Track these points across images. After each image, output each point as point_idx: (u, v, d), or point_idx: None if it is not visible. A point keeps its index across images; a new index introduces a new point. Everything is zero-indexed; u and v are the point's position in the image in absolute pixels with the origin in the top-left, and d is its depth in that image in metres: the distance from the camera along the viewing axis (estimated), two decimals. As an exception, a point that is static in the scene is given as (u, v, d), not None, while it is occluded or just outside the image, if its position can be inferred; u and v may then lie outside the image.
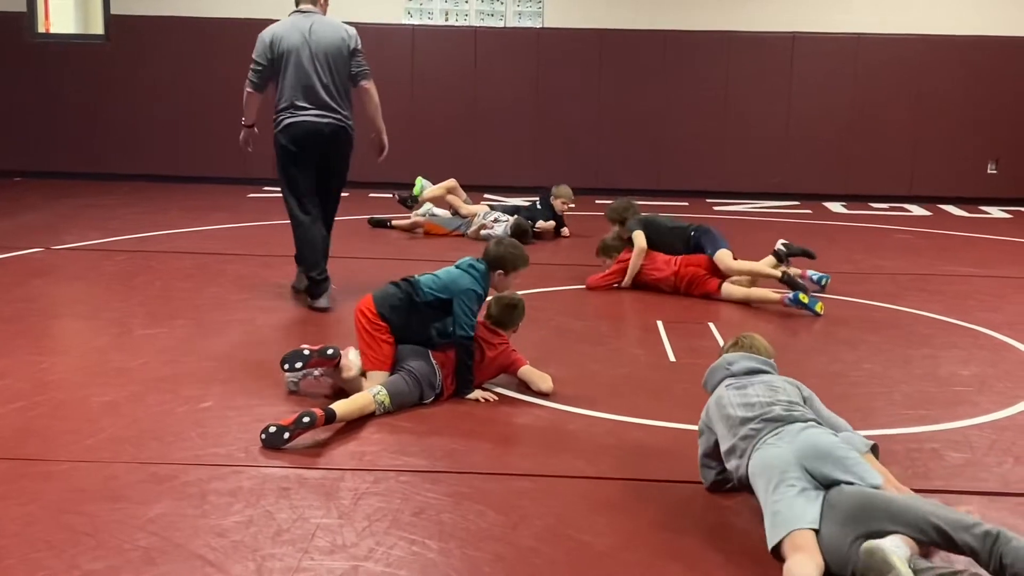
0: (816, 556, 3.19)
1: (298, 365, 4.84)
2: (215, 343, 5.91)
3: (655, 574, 3.32)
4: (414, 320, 5.11)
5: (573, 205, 10.03)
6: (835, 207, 12.57)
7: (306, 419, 4.34)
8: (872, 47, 12.95)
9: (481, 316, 5.31)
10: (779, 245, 7.65)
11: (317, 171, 6.85)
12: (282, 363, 4.87)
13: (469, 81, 13.13)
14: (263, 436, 4.32)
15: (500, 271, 5.24)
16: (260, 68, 6.73)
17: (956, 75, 12.91)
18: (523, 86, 13.14)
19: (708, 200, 12.84)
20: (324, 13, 6.88)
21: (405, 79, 13.07)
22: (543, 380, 5.13)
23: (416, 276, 5.26)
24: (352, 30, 6.80)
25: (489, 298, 5.35)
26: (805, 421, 3.67)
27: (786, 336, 6.56)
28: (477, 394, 5.02)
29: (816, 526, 3.28)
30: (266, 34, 6.74)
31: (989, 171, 13.16)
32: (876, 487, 3.37)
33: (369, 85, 6.81)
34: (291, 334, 6.19)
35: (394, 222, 10.10)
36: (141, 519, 3.60)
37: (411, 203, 10.36)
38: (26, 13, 13.15)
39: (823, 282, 7.63)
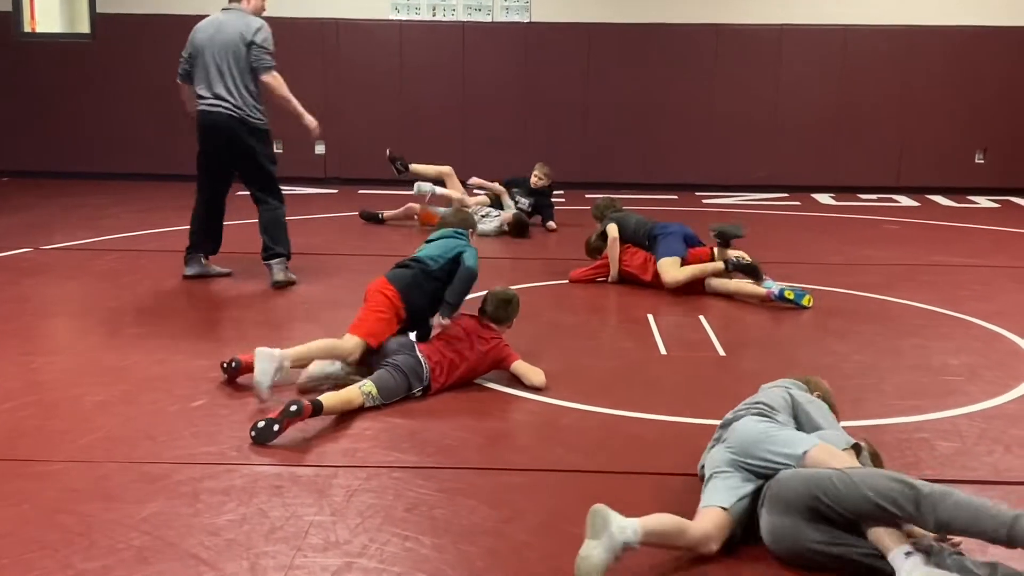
0: (704, 525, 3.34)
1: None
2: (206, 342, 5.90)
3: (649, 567, 3.33)
4: (428, 296, 5.34)
5: (546, 180, 10.05)
6: (824, 199, 12.59)
7: (293, 407, 4.33)
8: (859, 39, 12.97)
9: (467, 311, 5.37)
10: (731, 256, 7.43)
11: (224, 157, 7.31)
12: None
13: (457, 76, 13.12)
14: (253, 432, 4.32)
15: (472, 231, 5.89)
16: (182, 60, 7.32)
17: (943, 66, 12.94)
18: (511, 81, 13.14)
19: (697, 193, 12.85)
20: (249, 8, 7.21)
21: (394, 74, 13.06)
22: (536, 375, 5.15)
23: (417, 255, 5.49)
24: (257, 24, 7.06)
25: (484, 293, 5.40)
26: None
27: (776, 328, 6.58)
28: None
29: (724, 504, 3.41)
30: (193, 30, 7.26)
31: (977, 161, 13.20)
32: (804, 453, 3.41)
33: (269, 77, 7.06)
34: (281, 332, 6.19)
35: (385, 214, 10.08)
36: (134, 518, 3.60)
37: (402, 168, 10.20)
38: (12, 12, 13.10)
39: (802, 301, 7.00)
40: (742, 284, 7.20)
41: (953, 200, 12.60)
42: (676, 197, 12.42)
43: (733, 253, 7.36)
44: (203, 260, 7.53)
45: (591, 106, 13.10)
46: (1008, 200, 12.65)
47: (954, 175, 13.14)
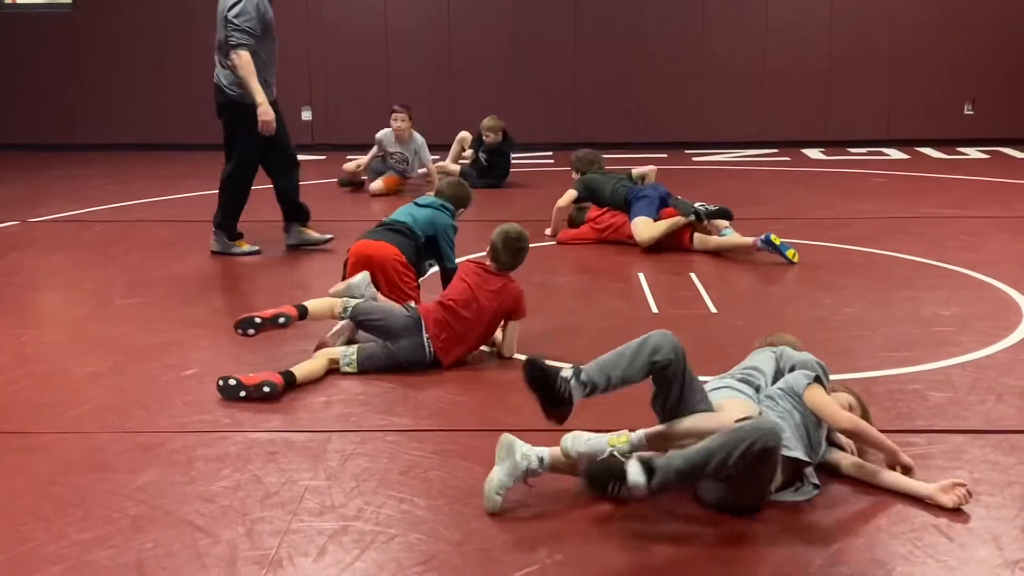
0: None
1: (251, 332, 4.75)
2: (196, 311, 5.89)
3: (646, 522, 3.34)
4: (419, 260, 5.50)
5: (497, 136, 10.05)
6: (813, 153, 12.57)
7: (266, 388, 4.37)
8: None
9: (460, 258, 5.46)
10: (698, 206, 7.45)
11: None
12: (235, 327, 4.79)
13: (443, 37, 13.02)
14: (219, 383, 4.38)
15: (461, 208, 5.88)
16: None
17: (931, 16, 12.88)
18: (498, 41, 13.04)
19: (687, 151, 12.81)
20: None
21: (379, 38, 12.95)
22: (512, 348, 5.00)
23: (395, 219, 5.53)
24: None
25: (494, 238, 5.06)
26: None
27: (767, 283, 6.58)
28: None
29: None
30: None
31: (966, 112, 13.17)
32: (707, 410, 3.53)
33: (234, 55, 6.82)
34: (271, 298, 6.14)
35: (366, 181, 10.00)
36: (128, 488, 3.60)
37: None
38: (-10, -17, 12.97)
39: (787, 253, 6.98)
40: (728, 239, 7.20)
41: (943, 152, 12.58)
42: (666, 156, 12.38)
43: (698, 204, 7.36)
44: (297, 228, 7.47)
45: (579, 65, 13.02)
46: (997, 151, 12.64)
47: (943, 127, 13.11)
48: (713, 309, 5.93)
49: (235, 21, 6.76)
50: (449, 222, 5.66)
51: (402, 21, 13.00)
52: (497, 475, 3.41)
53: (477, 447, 3.93)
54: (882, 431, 4.01)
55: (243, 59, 6.77)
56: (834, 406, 3.61)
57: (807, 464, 3.53)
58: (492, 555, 3.15)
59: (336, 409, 4.37)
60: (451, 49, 13.03)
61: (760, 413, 3.60)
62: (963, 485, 3.41)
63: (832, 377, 4.28)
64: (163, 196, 9.77)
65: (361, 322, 4.88)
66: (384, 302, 5.06)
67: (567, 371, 3.51)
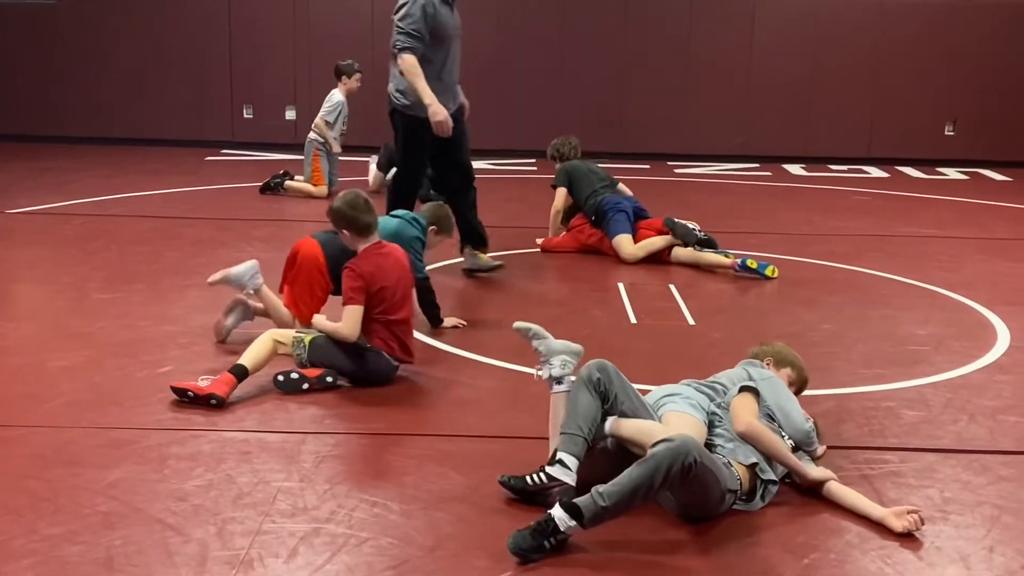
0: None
1: (304, 387, 4.55)
2: (173, 307, 5.86)
3: (616, 532, 3.35)
4: None
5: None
6: (794, 169, 12.62)
7: (213, 402, 4.32)
8: (832, 9, 12.96)
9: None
10: (696, 231, 7.39)
11: None
12: (282, 386, 4.57)
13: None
14: (173, 387, 4.37)
15: (435, 228, 5.70)
16: None
17: (915, 37, 12.96)
18: (483, 47, 13.03)
19: (669, 163, 12.85)
20: None
21: (365, 39, 12.93)
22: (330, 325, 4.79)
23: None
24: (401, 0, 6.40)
25: (342, 214, 4.75)
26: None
27: (745, 297, 6.61)
28: (449, 322, 5.56)
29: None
30: None
31: (947, 133, 13.27)
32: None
33: (399, 58, 6.34)
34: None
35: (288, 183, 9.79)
36: (100, 483, 3.58)
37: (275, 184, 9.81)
38: (-25, -27, 12.88)
39: (765, 271, 7.03)
40: (707, 254, 7.23)
41: (923, 171, 12.66)
42: (648, 167, 12.42)
43: (688, 224, 7.37)
44: (470, 251, 6.90)
45: (564, 74, 13.03)
46: (977, 172, 12.73)
47: (924, 146, 13.19)
48: (691, 321, 5.95)
49: (400, 24, 6.35)
50: (415, 234, 5.49)
51: (390, 24, 12.96)
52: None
53: (452, 452, 3.93)
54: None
55: (407, 63, 6.29)
56: (740, 410, 3.68)
57: (768, 477, 3.57)
58: (464, 561, 3.15)
59: (311, 411, 4.36)
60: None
61: (706, 423, 3.70)
62: (916, 511, 3.41)
63: (809, 393, 4.33)
64: (145, 191, 9.72)
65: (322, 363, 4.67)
66: (269, 295, 5.20)
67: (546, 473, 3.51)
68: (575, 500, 3.20)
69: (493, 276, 6.79)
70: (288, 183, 9.71)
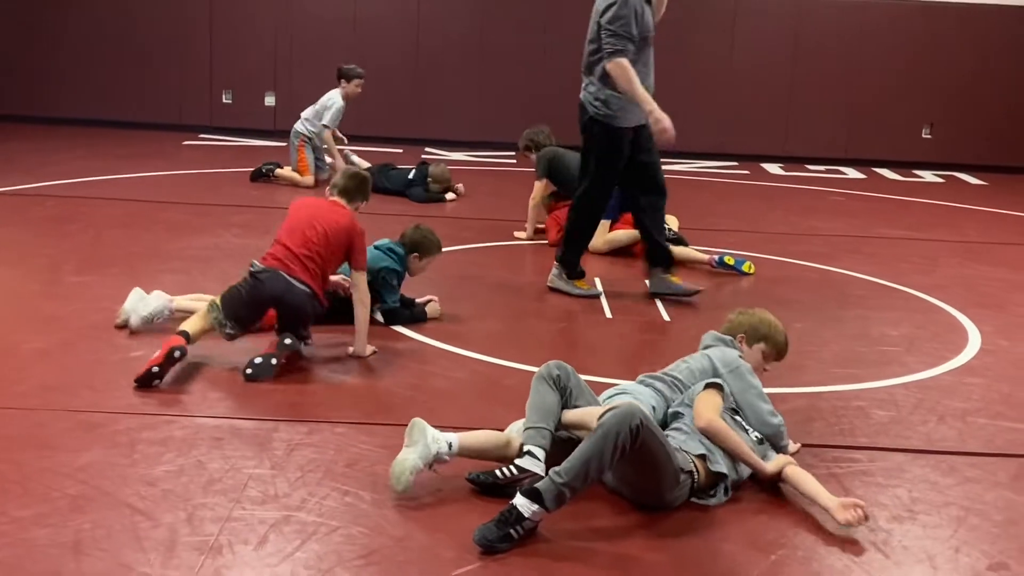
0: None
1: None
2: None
3: (589, 520, 3.36)
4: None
5: (438, 186, 9.31)
6: (772, 168, 12.68)
7: (176, 354, 4.39)
8: (812, 12, 13.01)
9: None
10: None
11: None
12: (252, 377, 4.55)
13: (411, 28, 12.96)
14: (137, 381, 4.34)
15: (416, 254, 5.51)
16: None
17: (893, 41, 13.03)
18: (467, 35, 13.01)
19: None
20: None
21: (347, 24, 12.88)
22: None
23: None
24: (607, 1, 5.93)
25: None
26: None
27: (720, 295, 6.63)
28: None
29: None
30: None
31: (923, 136, 13.35)
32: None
33: (610, 63, 5.89)
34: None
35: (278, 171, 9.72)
36: (70, 467, 3.56)
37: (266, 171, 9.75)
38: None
39: (742, 267, 7.14)
40: (684, 250, 7.25)
41: (899, 174, 12.74)
42: (627, 162, 12.41)
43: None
44: (660, 274, 6.40)
45: (548, 65, 13.01)
46: (952, 175, 12.82)
47: (901, 149, 13.27)
48: (666, 317, 5.97)
49: (610, 27, 5.86)
50: (391, 266, 5.41)
51: (371, 10, 12.93)
52: (411, 457, 3.46)
53: (424, 443, 3.93)
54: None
55: (620, 67, 5.82)
56: (701, 407, 3.71)
57: (717, 469, 3.60)
58: (434, 552, 3.16)
59: (284, 398, 4.35)
60: (419, 42, 12.99)
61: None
62: (861, 506, 3.41)
63: (780, 390, 4.35)
64: (122, 175, 9.65)
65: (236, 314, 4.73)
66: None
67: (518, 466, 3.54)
68: (535, 485, 3.22)
69: (479, 271, 6.78)
70: (278, 171, 9.66)
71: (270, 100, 12.93)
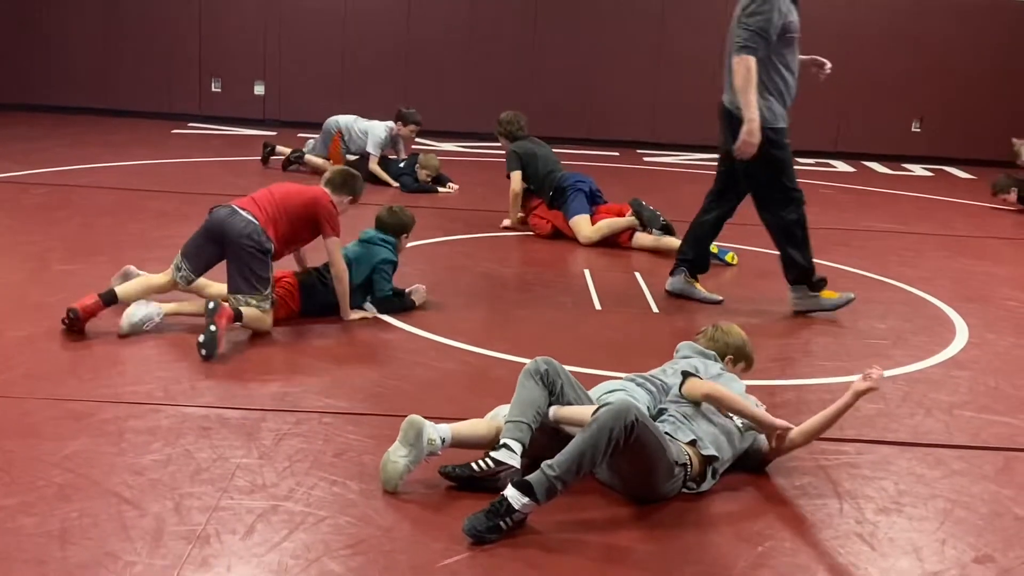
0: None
1: (212, 329, 4.62)
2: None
3: (578, 511, 3.37)
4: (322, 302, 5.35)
5: (433, 179, 9.38)
6: (763, 161, 12.66)
7: (71, 315, 4.74)
8: (802, 6, 12.94)
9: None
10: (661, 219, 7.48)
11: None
12: (208, 355, 4.62)
13: (401, 17, 12.94)
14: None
15: (405, 235, 5.63)
16: None
17: (882, 35, 13.06)
18: (456, 27, 13.00)
19: (639, 151, 12.87)
20: None
21: (337, 13, 12.85)
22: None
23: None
24: None
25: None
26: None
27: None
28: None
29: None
30: None
31: (913, 129, 13.38)
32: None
33: (736, 58, 5.70)
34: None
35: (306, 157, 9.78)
36: (56, 456, 3.55)
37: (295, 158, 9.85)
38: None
39: (725, 257, 7.21)
40: (669, 239, 7.28)
41: (888, 167, 12.77)
42: (618, 154, 12.43)
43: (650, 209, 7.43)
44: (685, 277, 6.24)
45: (536, 57, 13.02)
46: (941, 169, 12.86)
47: (890, 142, 13.31)
48: (655, 309, 5.98)
49: (746, 21, 5.65)
50: (387, 257, 5.45)
51: (362, 1, 12.90)
52: (403, 462, 3.44)
53: (413, 433, 3.92)
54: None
55: (744, 64, 5.63)
56: (692, 386, 3.73)
57: (708, 452, 3.61)
58: (422, 541, 3.16)
59: (273, 387, 4.34)
60: (409, 33, 12.97)
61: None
62: (871, 369, 3.64)
63: (768, 383, 4.36)
64: (110, 163, 9.62)
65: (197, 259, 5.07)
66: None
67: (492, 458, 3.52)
68: (526, 477, 3.22)
69: (468, 262, 6.78)
70: (308, 156, 9.74)
71: (259, 89, 12.90)
